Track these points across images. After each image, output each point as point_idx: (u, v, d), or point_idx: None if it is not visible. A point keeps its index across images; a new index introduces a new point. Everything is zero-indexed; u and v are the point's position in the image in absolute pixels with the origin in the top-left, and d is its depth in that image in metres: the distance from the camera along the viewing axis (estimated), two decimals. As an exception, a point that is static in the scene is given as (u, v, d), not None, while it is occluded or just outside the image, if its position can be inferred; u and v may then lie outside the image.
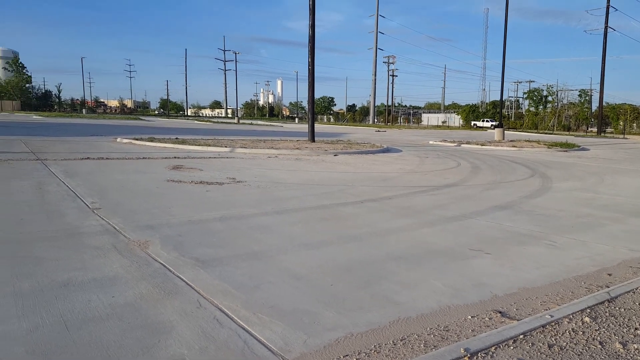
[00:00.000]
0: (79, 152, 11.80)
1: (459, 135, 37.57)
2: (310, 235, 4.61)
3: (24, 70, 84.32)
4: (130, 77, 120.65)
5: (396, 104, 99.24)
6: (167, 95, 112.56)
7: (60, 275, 3.25)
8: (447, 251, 4.24)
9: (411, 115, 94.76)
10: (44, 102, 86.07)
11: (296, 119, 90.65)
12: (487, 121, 63.95)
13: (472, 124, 66.55)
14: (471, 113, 72.42)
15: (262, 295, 3.05)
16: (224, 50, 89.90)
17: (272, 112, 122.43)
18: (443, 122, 78.85)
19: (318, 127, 36.06)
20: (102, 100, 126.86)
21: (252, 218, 5.25)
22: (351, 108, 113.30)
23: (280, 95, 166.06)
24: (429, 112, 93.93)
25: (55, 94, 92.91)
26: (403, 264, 3.83)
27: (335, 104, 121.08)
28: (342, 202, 6.41)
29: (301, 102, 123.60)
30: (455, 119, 77.03)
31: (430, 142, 23.29)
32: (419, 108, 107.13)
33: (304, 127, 43.19)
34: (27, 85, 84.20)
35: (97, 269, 3.41)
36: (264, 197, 6.56)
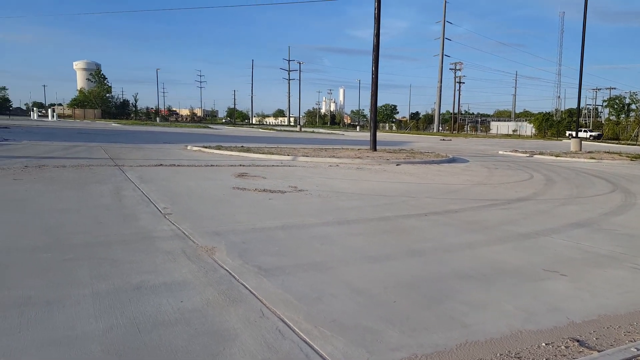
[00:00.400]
0: (153, 158, 12.54)
1: (531, 145, 35.67)
2: (372, 248, 4.54)
3: (105, 81, 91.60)
4: (201, 87, 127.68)
5: (462, 112, 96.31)
6: (234, 104, 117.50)
7: (134, 277, 3.43)
8: (519, 271, 3.99)
9: (478, 123, 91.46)
10: (122, 110, 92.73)
11: (357, 127, 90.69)
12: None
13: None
14: (545, 121, 68.43)
15: (323, 308, 3.03)
16: (289, 60, 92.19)
17: (333, 120, 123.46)
18: (513, 131, 75.25)
19: (380, 135, 35.89)
20: (174, 109, 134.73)
21: (314, 227, 5.27)
22: (414, 116, 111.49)
23: (342, 103, 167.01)
24: (498, 120, 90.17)
25: (132, 103, 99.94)
26: (471, 283, 3.65)
27: (397, 112, 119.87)
28: (404, 214, 6.27)
29: (363, 110, 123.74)
30: (527, 128, 73.18)
31: (500, 152, 22.30)
32: (487, 116, 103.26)
33: (365, 135, 43.06)
34: (108, 95, 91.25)
35: (168, 273, 3.56)
36: (325, 207, 6.57)
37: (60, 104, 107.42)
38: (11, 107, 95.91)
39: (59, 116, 71.47)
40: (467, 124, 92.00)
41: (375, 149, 17.90)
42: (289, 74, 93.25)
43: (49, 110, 74.52)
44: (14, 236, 4.40)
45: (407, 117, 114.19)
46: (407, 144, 29.53)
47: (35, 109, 78.47)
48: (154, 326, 2.66)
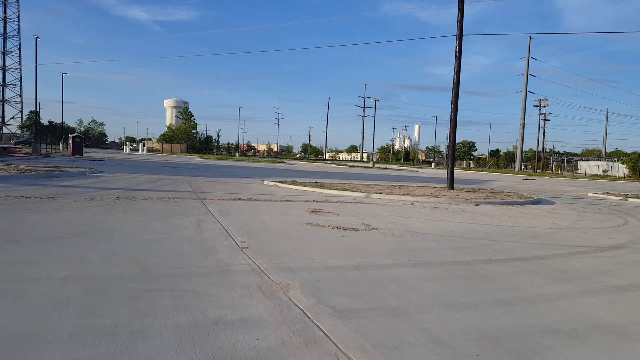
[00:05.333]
0: (232, 192, 13.09)
1: (625, 187, 32.60)
2: (451, 294, 4.28)
3: (192, 118, 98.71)
4: (278, 124, 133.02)
5: (547, 150, 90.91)
6: (309, 139, 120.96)
7: (213, 311, 3.50)
8: (617, 328, 3.55)
9: (565, 162, 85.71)
10: (206, 145, 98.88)
11: (432, 164, 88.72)
12: None
13: None
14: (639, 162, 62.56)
15: (401, 358, 2.87)
16: (364, 98, 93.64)
17: (407, 157, 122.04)
18: (604, 172, 69.47)
19: (457, 173, 34.71)
20: (252, 144, 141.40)
21: (388, 269, 5.11)
22: (494, 153, 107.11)
23: (416, 139, 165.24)
24: (587, 160, 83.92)
25: (214, 139, 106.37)
26: (561, 338, 3.29)
27: (476, 149, 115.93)
28: (485, 259, 5.90)
29: (438, 146, 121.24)
30: (620, 168, 67.25)
31: (589, 194, 20.58)
32: (575, 155, 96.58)
33: (441, 172, 41.96)
34: (193, 131, 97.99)
35: (244, 308, 3.60)
36: (400, 247, 6.38)
37: (150, 139, 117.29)
38: (107, 141, 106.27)
39: (148, 150, 77.74)
40: (552, 163, 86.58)
41: (452, 188, 17.31)
42: (363, 110, 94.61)
43: (140, 144, 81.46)
44: (105, 265, 4.72)
45: (487, 154, 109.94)
46: (487, 182, 28.27)
47: (127, 142, 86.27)
48: (229, 364, 2.66)
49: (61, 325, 3.10)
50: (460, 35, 16.98)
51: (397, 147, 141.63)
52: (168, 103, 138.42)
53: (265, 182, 17.43)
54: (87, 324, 3.14)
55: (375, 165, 62.27)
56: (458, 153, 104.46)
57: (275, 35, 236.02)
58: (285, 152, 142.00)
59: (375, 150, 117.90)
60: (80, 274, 4.33)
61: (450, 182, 17.46)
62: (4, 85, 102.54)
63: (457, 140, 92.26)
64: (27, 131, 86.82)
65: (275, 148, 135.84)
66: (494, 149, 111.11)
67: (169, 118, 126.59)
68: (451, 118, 17.37)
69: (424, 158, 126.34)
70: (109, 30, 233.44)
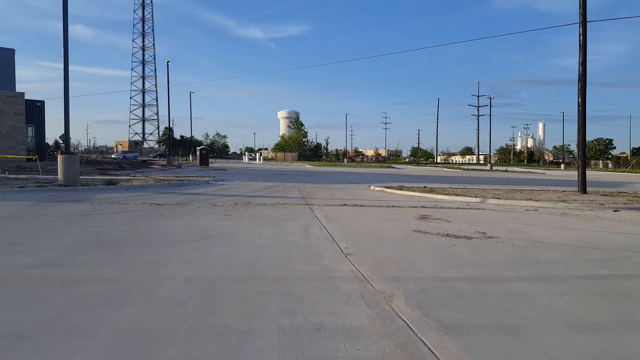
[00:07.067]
0: (338, 198, 13.26)
1: None
2: (580, 313, 3.76)
3: (302, 127, 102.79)
4: (385, 129, 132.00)
5: None
6: (418, 143, 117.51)
7: (315, 317, 3.52)
8: None
9: None
10: (315, 152, 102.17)
11: (561, 165, 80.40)
12: None
13: None
14: None
15: (516, 383, 2.57)
16: (478, 96, 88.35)
17: (531, 158, 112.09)
18: None
19: (591, 174, 30.81)
20: (360, 149, 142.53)
21: (505, 282, 4.68)
22: (637, 151, 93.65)
23: (541, 138, 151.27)
24: None
25: (323, 146, 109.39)
26: None
27: (614, 147, 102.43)
28: (625, 274, 5.10)
29: (568, 145, 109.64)
30: None
31: None
32: None
33: (571, 174, 37.71)
34: (304, 139, 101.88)
35: (346, 316, 3.56)
36: (519, 258, 5.82)
37: (265, 148, 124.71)
38: (229, 151, 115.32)
39: (264, 159, 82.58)
40: None
41: (584, 191, 15.46)
42: (477, 109, 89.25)
43: (257, 154, 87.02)
44: (222, 267, 5.06)
45: (628, 152, 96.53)
46: (628, 185, 24.76)
47: (246, 152, 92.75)
48: (329, 373, 2.63)
49: (180, 323, 3.36)
50: (584, 23, 15.19)
51: (518, 147, 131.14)
52: (281, 114, 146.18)
53: (372, 188, 17.35)
54: (202, 323, 3.37)
55: (494, 167, 58.27)
56: (592, 152, 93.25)
57: (381, 40, 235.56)
58: (393, 157, 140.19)
59: (493, 151, 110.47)
60: (200, 275, 4.70)
61: (582, 185, 15.61)
62: (143, 106, 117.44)
63: (590, 138, 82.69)
64: (162, 145, 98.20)
65: (383, 153, 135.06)
66: (636, 147, 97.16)
67: (282, 128, 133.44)
68: (579, 113, 15.57)
69: (551, 158, 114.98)
70: (230, 51, 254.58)
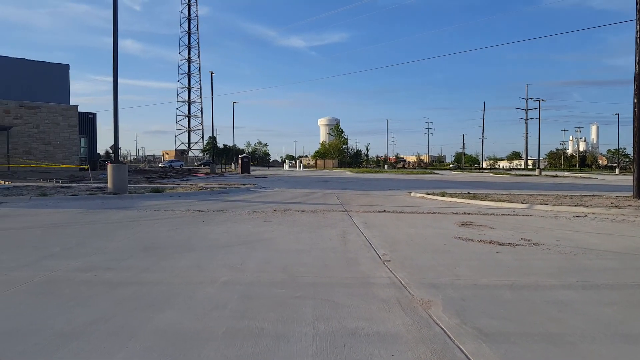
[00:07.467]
0: (377, 205, 13.15)
1: None
2: (631, 324, 3.54)
3: (342, 134, 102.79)
4: (428, 134, 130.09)
5: None
6: (462, 148, 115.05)
7: (351, 322, 3.51)
8: None
9: None
10: (355, 159, 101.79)
11: (616, 170, 76.23)
12: None
13: None
14: None
15: (559, 395, 2.45)
16: (526, 99, 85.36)
17: (583, 162, 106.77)
18: None
19: (645, 179, 29.05)
20: (401, 156, 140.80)
21: (550, 290, 4.48)
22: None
23: (594, 142, 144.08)
24: None
25: (363, 153, 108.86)
26: None
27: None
28: (685, 284, 4.76)
29: (624, 148, 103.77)
30: None
31: None
32: None
33: (626, 179, 35.64)
34: (344, 146, 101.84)
35: (382, 322, 3.52)
36: (567, 266, 5.56)
37: (306, 156, 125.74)
38: (270, 159, 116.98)
39: (304, 166, 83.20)
40: None
41: None
42: (526, 113, 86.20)
43: (297, 161, 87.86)
44: (260, 271, 5.14)
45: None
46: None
47: (286, 160, 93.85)
48: (362, 378, 2.61)
49: (218, 325, 3.44)
50: (641, 18, 14.37)
51: (570, 151, 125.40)
52: (321, 121, 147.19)
53: (412, 194, 17.10)
54: (239, 325, 3.43)
55: (543, 172, 55.97)
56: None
57: (423, 44, 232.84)
58: (436, 163, 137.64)
59: (543, 156, 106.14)
60: (238, 279, 4.79)
61: (638, 190, 14.72)
62: (189, 116, 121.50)
63: (647, 141, 77.43)
64: (207, 154, 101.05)
65: (425, 159, 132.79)
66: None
67: (322, 135, 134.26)
68: (634, 115, 14.72)
69: (605, 163, 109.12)
70: (272, 60, 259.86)
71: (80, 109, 33.77)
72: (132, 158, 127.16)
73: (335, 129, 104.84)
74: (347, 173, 52.21)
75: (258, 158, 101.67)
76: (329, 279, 4.82)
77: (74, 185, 19.24)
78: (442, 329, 3.39)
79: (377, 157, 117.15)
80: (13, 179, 21.53)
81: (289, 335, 3.25)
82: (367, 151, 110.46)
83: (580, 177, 44.54)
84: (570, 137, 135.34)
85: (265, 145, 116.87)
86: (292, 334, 3.28)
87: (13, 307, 3.85)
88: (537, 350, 3.02)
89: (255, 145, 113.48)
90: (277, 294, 4.26)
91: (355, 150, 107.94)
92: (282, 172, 53.63)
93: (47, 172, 27.74)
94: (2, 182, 20.23)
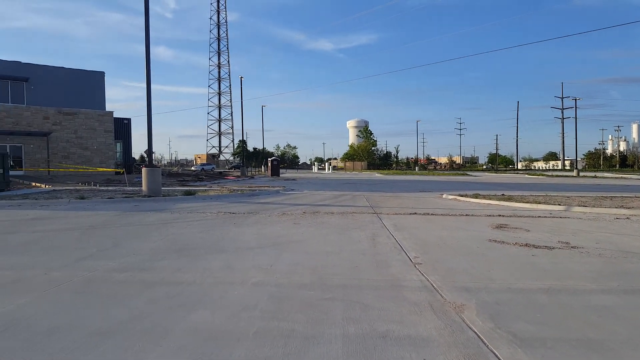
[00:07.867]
0: (408, 207, 12.99)
1: None
2: (681, 332, 3.36)
3: (372, 136, 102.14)
4: (460, 135, 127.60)
5: None
6: (496, 149, 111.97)
7: (381, 325, 3.47)
8: None
9: None
10: (385, 161, 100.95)
11: (659, 170, 72.71)
12: None
13: None
14: None
15: (601, 404, 2.35)
16: (562, 98, 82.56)
17: (623, 162, 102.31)
18: None
19: (692, 179, 27.41)
20: (432, 157, 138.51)
21: (589, 295, 4.31)
22: None
23: (635, 141, 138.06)
24: None
25: (393, 154, 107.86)
26: None
27: None
28: None
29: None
30: None
31: None
32: None
33: (669, 180, 33.86)
34: (373, 148, 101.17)
35: (413, 325, 3.47)
36: (607, 269, 5.34)
37: (335, 158, 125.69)
38: (299, 162, 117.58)
39: (333, 168, 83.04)
40: None
41: (684, 198, 13.86)
42: (562, 112, 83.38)
43: (326, 163, 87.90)
44: (289, 273, 5.16)
45: None
46: None
47: (315, 162, 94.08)
48: (393, 382, 2.58)
49: (248, 325, 3.48)
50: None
51: (609, 151, 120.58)
52: (350, 124, 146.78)
53: (444, 196, 16.80)
54: (269, 326, 3.46)
55: (581, 173, 53.93)
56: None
57: (452, 44, 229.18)
58: (469, 164, 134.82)
59: (581, 156, 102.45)
60: (268, 280, 4.83)
61: (683, 191, 13.98)
62: (220, 120, 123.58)
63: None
64: (237, 157, 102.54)
65: (457, 160, 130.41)
66: None
67: (351, 137, 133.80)
68: (679, 111, 14.02)
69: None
70: (300, 64, 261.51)
71: (115, 115, 34.96)
72: (165, 162, 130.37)
73: (364, 131, 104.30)
74: (376, 175, 51.85)
75: (287, 161, 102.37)
76: (359, 281, 4.79)
77: (110, 188, 19.89)
78: (475, 333, 3.31)
79: (407, 158, 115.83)
80: (53, 183, 22.45)
81: (319, 337, 3.25)
82: (397, 153, 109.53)
83: (621, 177, 42.72)
84: (610, 136, 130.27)
85: (294, 147, 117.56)
86: (322, 335, 3.27)
87: (53, 305, 4.00)
88: (575, 356, 2.91)
89: (284, 148, 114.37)
90: (307, 296, 4.26)
91: (385, 152, 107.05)
92: (311, 174, 53.77)
93: (85, 176, 28.83)
94: (43, 185, 21.13)
